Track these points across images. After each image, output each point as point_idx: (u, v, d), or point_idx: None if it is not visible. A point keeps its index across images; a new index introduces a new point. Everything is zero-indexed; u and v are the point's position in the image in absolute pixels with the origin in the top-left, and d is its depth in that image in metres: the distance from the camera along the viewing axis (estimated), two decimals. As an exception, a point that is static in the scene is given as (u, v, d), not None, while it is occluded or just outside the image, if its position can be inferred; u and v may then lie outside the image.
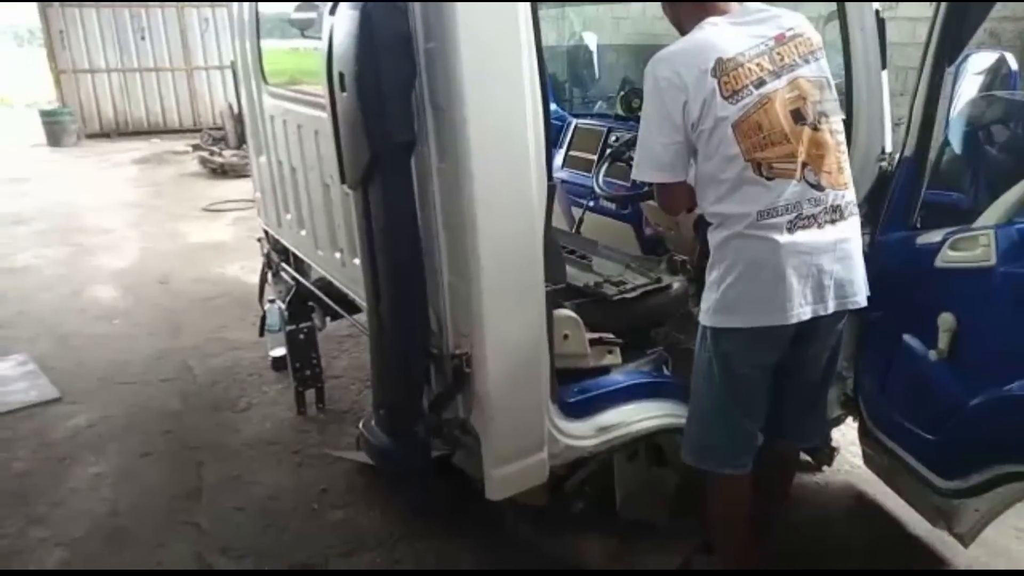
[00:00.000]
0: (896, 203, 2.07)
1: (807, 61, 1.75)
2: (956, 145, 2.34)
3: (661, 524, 2.35)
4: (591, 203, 3.19)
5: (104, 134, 12.10)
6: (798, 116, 1.71)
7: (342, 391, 3.51)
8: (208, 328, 4.31)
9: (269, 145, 3.03)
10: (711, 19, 1.76)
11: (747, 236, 1.72)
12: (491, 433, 1.86)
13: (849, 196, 1.79)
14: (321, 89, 1.92)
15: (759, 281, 1.73)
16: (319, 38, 1.90)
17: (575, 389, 2.05)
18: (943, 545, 2.36)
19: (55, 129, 11.33)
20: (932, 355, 1.85)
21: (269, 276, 3.47)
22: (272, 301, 3.37)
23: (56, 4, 11.46)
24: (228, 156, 9.26)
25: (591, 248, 2.65)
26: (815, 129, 1.73)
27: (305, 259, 3.04)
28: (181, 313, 4.61)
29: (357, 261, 2.15)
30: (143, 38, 12.10)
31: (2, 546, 2.51)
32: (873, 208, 2.13)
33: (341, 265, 2.56)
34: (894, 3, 4.66)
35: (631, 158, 2.24)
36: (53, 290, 5.07)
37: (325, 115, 1.93)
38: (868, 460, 2.32)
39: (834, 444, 2.69)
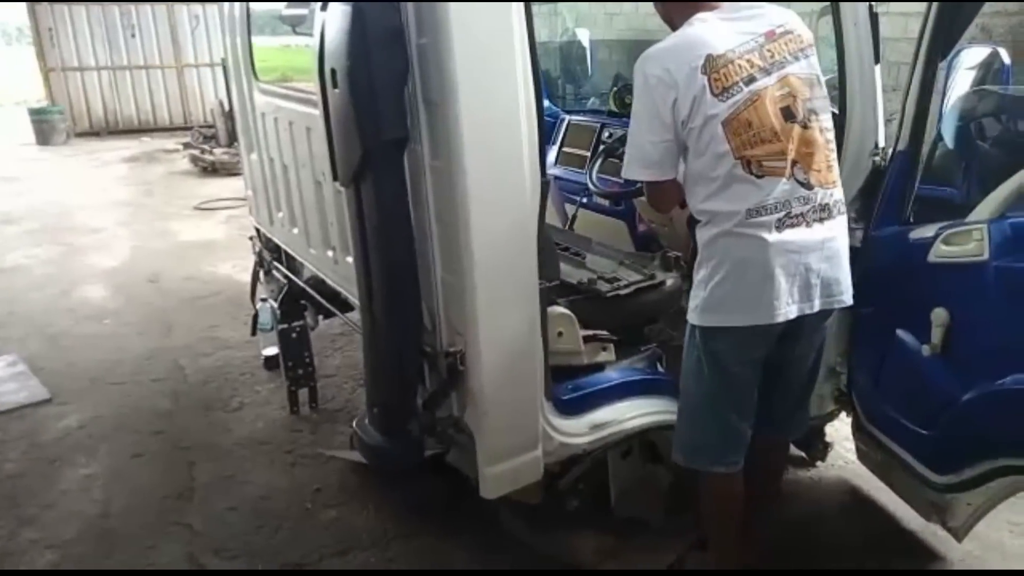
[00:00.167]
0: (889, 198, 2.07)
1: (797, 58, 1.75)
2: (949, 140, 2.35)
3: (655, 521, 2.35)
4: (584, 200, 3.20)
5: (94, 132, 12.02)
6: (788, 114, 1.71)
7: (335, 390, 3.49)
8: (199, 327, 4.29)
9: (261, 143, 3.01)
10: (701, 15, 1.75)
11: (735, 234, 1.71)
12: (485, 431, 1.85)
13: (837, 195, 1.79)
14: (313, 86, 1.90)
15: (746, 280, 1.73)
16: (310, 35, 1.89)
17: (569, 386, 2.04)
18: (936, 539, 2.37)
19: (44, 128, 11.25)
20: (925, 350, 1.85)
21: (261, 274, 3.45)
22: (264, 300, 3.36)
23: (45, 1, 11.35)
24: (219, 154, 9.21)
25: (585, 245, 2.64)
26: (805, 127, 1.72)
27: (297, 257, 3.02)
28: (172, 312, 4.58)
29: (350, 259, 2.14)
30: (133, 35, 12.01)
31: (-7, 548, 2.49)
32: (866, 203, 2.13)
33: (334, 263, 2.55)
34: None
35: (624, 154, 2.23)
36: (43, 290, 5.03)
37: (317, 112, 1.92)
38: (862, 455, 2.32)
39: (828, 439, 2.69)
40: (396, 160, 1.72)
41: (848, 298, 1.82)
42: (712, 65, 1.67)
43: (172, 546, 2.49)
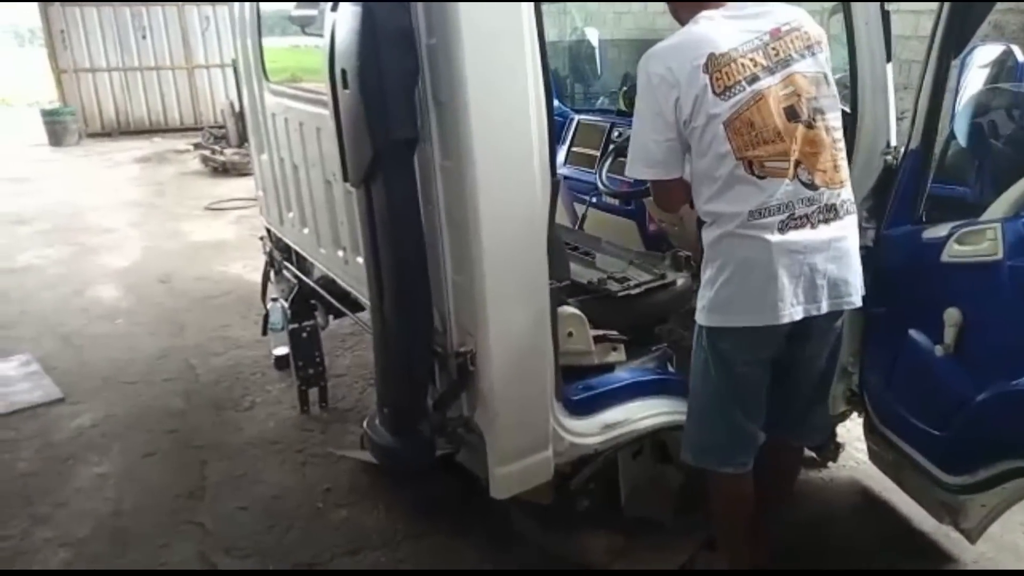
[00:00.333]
0: (901, 197, 2.05)
1: (803, 56, 1.72)
2: (961, 138, 2.32)
3: (666, 521, 2.34)
4: (594, 199, 3.19)
5: (105, 133, 12.10)
6: (792, 113, 1.68)
7: (345, 389, 3.50)
8: (211, 327, 4.31)
9: (271, 143, 3.02)
10: (706, 13, 1.73)
11: (739, 235, 1.70)
12: (496, 431, 1.85)
13: (845, 195, 1.76)
14: (323, 86, 1.91)
15: (751, 280, 1.71)
16: (319, 35, 1.89)
17: (580, 387, 2.04)
18: (949, 541, 2.35)
19: (56, 129, 11.33)
20: (938, 350, 1.84)
21: (272, 274, 3.47)
22: (275, 299, 3.37)
23: (57, 3, 11.44)
24: (229, 154, 9.25)
25: (594, 244, 2.64)
26: (810, 127, 1.70)
27: (308, 257, 3.03)
28: (183, 312, 4.60)
29: (360, 259, 2.15)
30: (144, 37, 12.09)
31: (7, 547, 2.51)
32: (878, 202, 2.11)
33: (344, 263, 2.55)
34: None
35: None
36: (55, 290, 5.07)
37: (327, 112, 1.92)
38: (873, 456, 2.31)
39: (839, 440, 2.68)
40: (406, 160, 1.72)
41: (856, 299, 1.79)
42: (714, 64, 1.66)
43: (184, 545, 2.50)
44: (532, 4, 1.62)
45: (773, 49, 1.70)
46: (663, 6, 1.93)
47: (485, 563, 2.36)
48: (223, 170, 9.01)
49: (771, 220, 1.68)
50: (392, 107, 1.64)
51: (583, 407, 2.01)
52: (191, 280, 5.18)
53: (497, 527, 2.39)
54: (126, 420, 3.31)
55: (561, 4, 6.06)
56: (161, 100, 12.46)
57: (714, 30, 1.70)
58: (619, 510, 2.32)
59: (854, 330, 2.13)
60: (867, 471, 2.59)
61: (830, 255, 1.72)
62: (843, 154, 1.78)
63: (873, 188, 2.13)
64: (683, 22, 1.79)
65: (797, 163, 1.68)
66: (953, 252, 1.82)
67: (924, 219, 2.03)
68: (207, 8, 12.17)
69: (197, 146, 10.11)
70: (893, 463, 2.18)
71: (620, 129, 3.30)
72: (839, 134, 1.77)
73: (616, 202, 3.13)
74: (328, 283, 2.88)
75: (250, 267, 5.10)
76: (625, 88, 3.62)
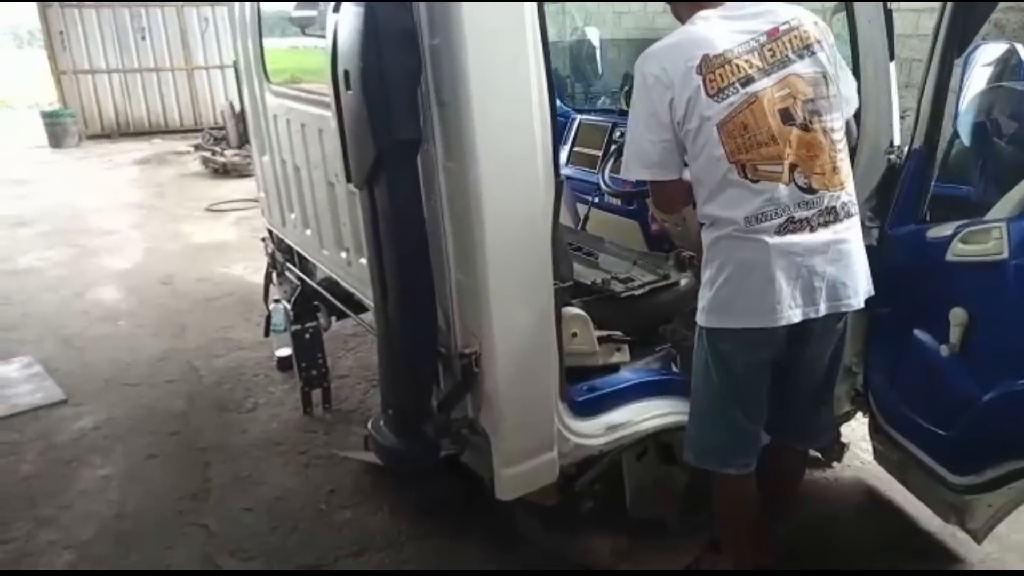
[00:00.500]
0: (905, 196, 2.05)
1: (802, 56, 1.69)
2: (965, 137, 2.32)
3: (671, 522, 2.34)
4: (596, 199, 3.19)
5: (105, 135, 12.09)
6: (787, 116, 1.66)
7: (348, 391, 3.50)
8: (213, 328, 4.31)
9: (272, 144, 3.02)
10: (703, 13, 1.72)
11: (736, 238, 1.69)
12: (500, 432, 1.85)
13: (846, 196, 1.73)
14: (325, 87, 1.90)
15: (749, 282, 1.70)
16: (320, 36, 1.89)
17: (584, 387, 2.04)
18: (955, 541, 2.35)
19: (56, 130, 11.33)
20: (944, 350, 1.83)
21: (274, 276, 3.46)
22: (277, 301, 3.37)
23: (56, 5, 11.43)
24: (230, 156, 9.25)
25: (597, 245, 2.63)
26: (806, 130, 1.67)
27: (310, 259, 3.03)
28: (185, 314, 4.60)
29: (363, 260, 2.14)
30: (143, 38, 12.08)
31: (12, 549, 2.51)
32: (882, 202, 2.10)
33: (347, 264, 2.55)
34: (899, -3, 4.64)
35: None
36: (57, 292, 5.06)
37: (329, 113, 1.92)
38: (879, 456, 2.30)
39: (844, 440, 2.67)
40: (409, 161, 1.71)
41: (857, 302, 1.76)
42: (708, 65, 1.64)
43: (189, 547, 2.50)
44: (535, 4, 1.62)
45: (769, 50, 1.68)
46: (663, 6, 1.93)
47: (489, 564, 2.36)
48: (223, 171, 9.01)
49: (768, 224, 1.66)
50: (395, 108, 1.64)
51: (588, 408, 2.01)
52: (192, 281, 5.18)
53: (501, 528, 2.39)
54: (128, 422, 3.31)
55: (561, 4, 6.06)
56: (161, 101, 12.46)
57: (710, 30, 1.68)
58: (624, 511, 2.32)
59: (858, 330, 2.13)
60: (872, 471, 2.58)
61: (829, 257, 1.70)
62: (844, 155, 1.75)
63: (877, 187, 2.12)
64: (683, 21, 1.78)
65: (793, 166, 1.66)
66: (958, 251, 1.81)
67: (928, 218, 2.02)
68: (206, 9, 12.15)
69: (197, 147, 10.10)
70: (898, 463, 2.17)
71: (622, 129, 3.29)
72: (839, 135, 1.74)
73: (618, 202, 3.12)
74: (331, 284, 2.88)
75: (251, 268, 5.11)
76: (626, 88, 3.62)
